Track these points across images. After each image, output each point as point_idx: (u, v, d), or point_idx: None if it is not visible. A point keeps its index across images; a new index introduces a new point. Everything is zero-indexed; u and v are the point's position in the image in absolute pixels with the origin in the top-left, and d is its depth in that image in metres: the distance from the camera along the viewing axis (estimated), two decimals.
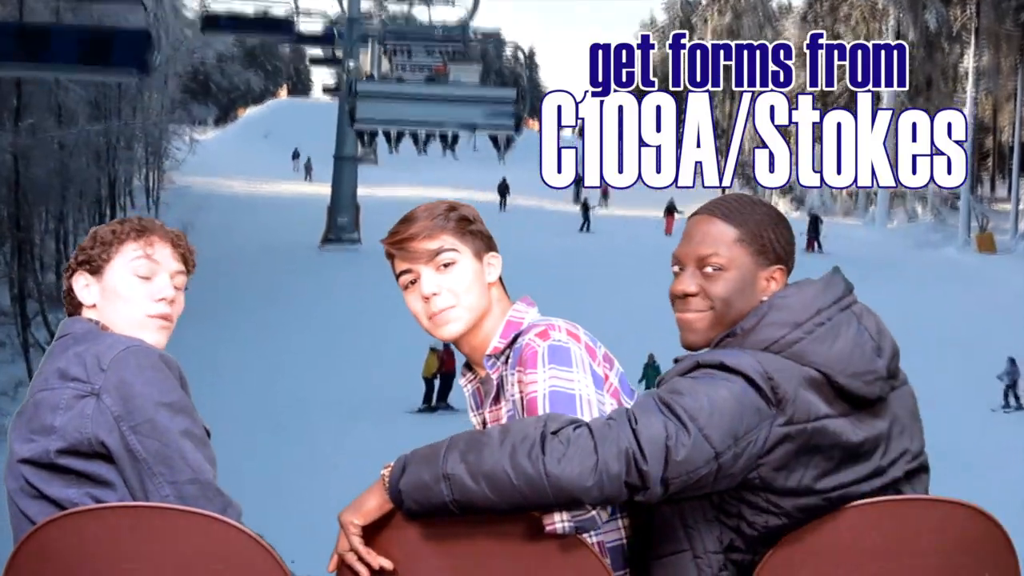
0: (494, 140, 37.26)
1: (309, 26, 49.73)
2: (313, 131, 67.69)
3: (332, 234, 43.88)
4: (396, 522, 2.34)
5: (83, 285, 2.70)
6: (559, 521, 2.27)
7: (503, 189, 52.56)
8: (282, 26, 47.01)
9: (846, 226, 56.07)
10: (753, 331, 2.40)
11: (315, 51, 62.39)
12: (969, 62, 51.73)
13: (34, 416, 2.51)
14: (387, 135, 37.20)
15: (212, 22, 45.84)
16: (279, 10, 47.12)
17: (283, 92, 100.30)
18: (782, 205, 60.64)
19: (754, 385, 2.28)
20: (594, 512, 2.28)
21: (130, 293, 2.67)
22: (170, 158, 56.82)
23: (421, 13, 48.77)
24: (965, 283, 39.74)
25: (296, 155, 68.82)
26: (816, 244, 47.27)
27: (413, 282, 2.64)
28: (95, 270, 2.69)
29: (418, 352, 25.74)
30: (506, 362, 2.63)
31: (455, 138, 35.91)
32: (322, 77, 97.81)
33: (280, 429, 23.94)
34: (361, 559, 2.34)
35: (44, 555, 2.34)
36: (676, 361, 2.45)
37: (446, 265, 2.63)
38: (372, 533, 2.36)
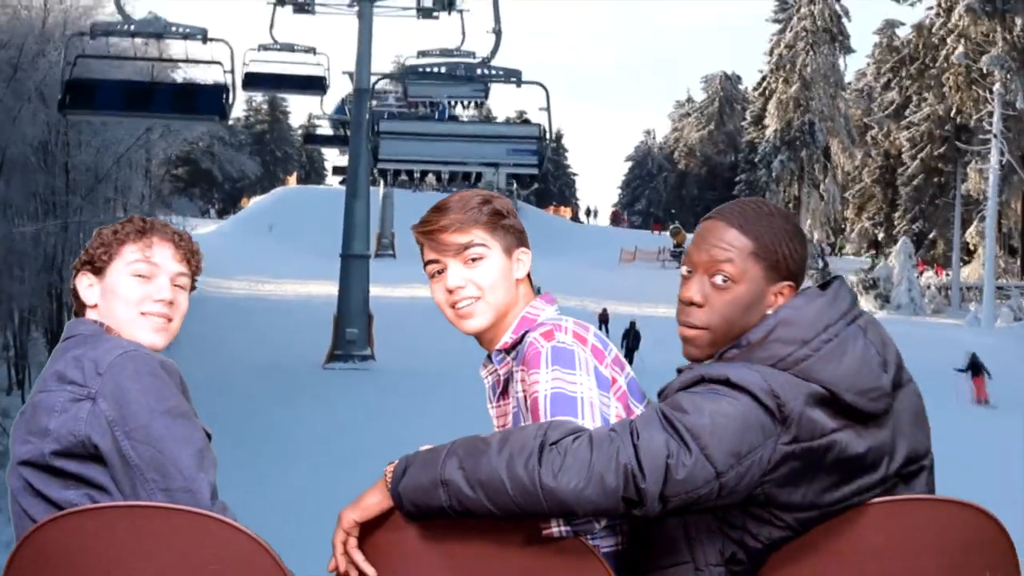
0: (517, 178, 37.82)
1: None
2: (323, 221, 61.89)
3: (339, 349, 37.35)
4: (396, 523, 2.35)
5: (86, 285, 2.80)
6: (555, 526, 2.28)
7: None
8: (315, 83, 44.70)
9: (944, 327, 48.44)
10: (760, 346, 2.38)
11: (322, 128, 58.12)
12: None
13: (32, 418, 2.58)
14: (410, 173, 37.56)
15: (252, 80, 43.22)
16: (314, 71, 44.51)
17: (292, 180, 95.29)
18: (866, 302, 53.56)
19: (759, 403, 2.27)
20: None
21: (128, 293, 2.76)
22: None
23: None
24: None
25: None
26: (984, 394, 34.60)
27: (440, 272, 2.67)
28: (97, 270, 2.79)
29: None
30: (515, 358, 2.63)
31: (478, 176, 35.43)
32: (334, 159, 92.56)
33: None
34: (349, 557, 2.37)
35: (44, 555, 2.35)
36: (679, 371, 2.43)
37: (474, 259, 2.65)
38: (372, 533, 2.37)
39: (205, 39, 33.61)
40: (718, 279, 2.46)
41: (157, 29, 33.73)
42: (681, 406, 2.27)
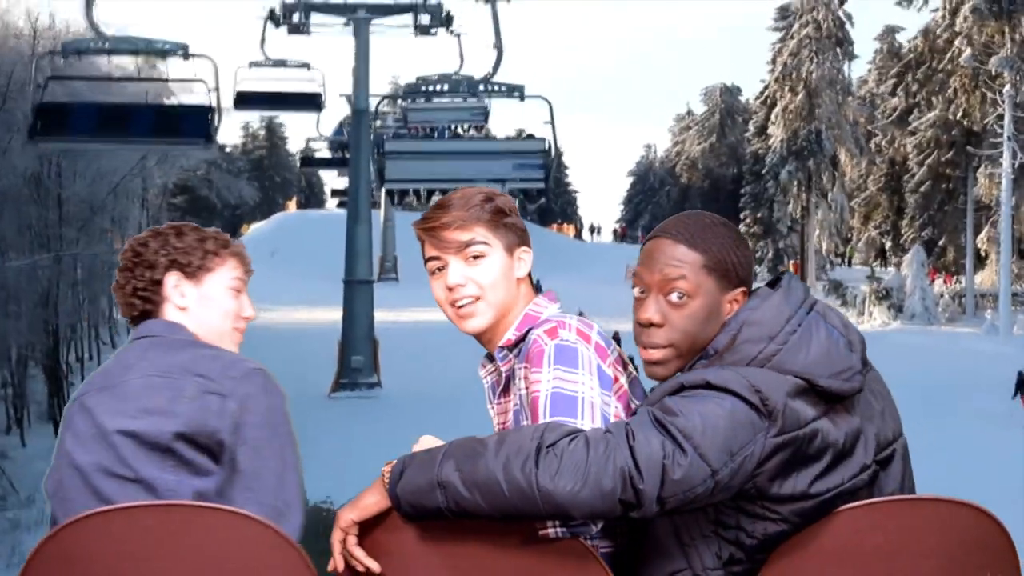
0: (524, 193, 38.76)
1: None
2: (324, 246, 61.11)
3: (345, 377, 36.40)
4: (394, 523, 2.35)
5: (173, 285, 2.84)
6: (552, 527, 2.31)
7: None
8: (310, 100, 42.97)
9: (961, 336, 47.42)
10: (729, 351, 2.43)
11: (320, 151, 57.34)
12: None
13: (144, 396, 2.64)
14: (416, 193, 39.27)
15: (244, 99, 41.42)
16: (308, 87, 42.55)
17: (292, 205, 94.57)
18: (879, 313, 52.54)
19: (744, 400, 2.31)
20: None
21: (228, 306, 2.89)
22: None
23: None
24: None
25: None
26: None
27: (441, 269, 2.67)
28: (191, 275, 2.85)
29: None
30: (518, 355, 2.63)
31: None
32: (332, 182, 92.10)
33: None
34: (345, 554, 2.38)
35: (69, 555, 2.32)
36: (651, 391, 2.48)
37: (475, 257, 2.65)
38: (370, 533, 2.37)
39: (186, 55, 30.83)
40: (673, 296, 2.48)
41: (134, 46, 30.70)
42: (670, 409, 2.30)
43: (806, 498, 2.35)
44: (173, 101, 33.54)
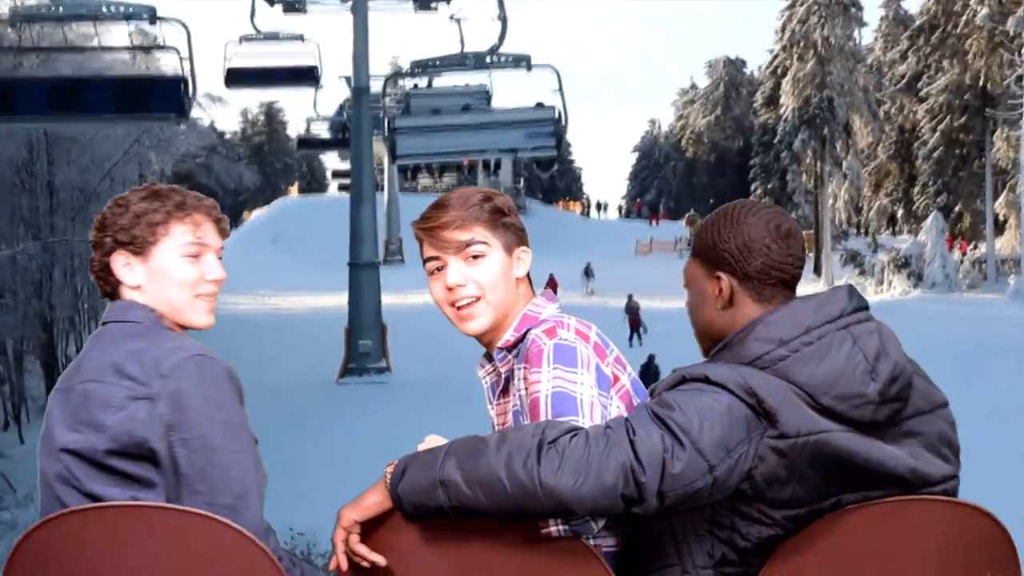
0: (537, 162, 37.74)
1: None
2: (328, 230, 60.49)
3: (353, 363, 35.79)
4: (396, 523, 2.35)
5: (123, 264, 2.72)
6: (554, 525, 2.31)
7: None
8: (306, 74, 41.58)
9: (985, 303, 46.51)
10: (741, 344, 2.42)
11: (319, 132, 56.41)
12: None
13: (81, 406, 2.54)
14: (430, 167, 37.80)
15: (235, 77, 39.95)
16: (303, 60, 41.10)
17: (293, 190, 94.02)
18: (899, 282, 51.55)
19: (739, 398, 2.31)
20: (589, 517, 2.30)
21: (183, 276, 2.71)
22: None
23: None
24: None
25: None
26: None
27: (440, 269, 2.66)
28: (138, 251, 2.71)
29: None
30: (517, 356, 2.62)
31: (497, 164, 36.84)
32: (333, 164, 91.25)
33: None
34: (348, 552, 2.38)
35: (44, 555, 2.33)
36: (674, 371, 2.48)
37: (475, 257, 2.63)
38: (372, 533, 2.38)
39: (153, 19, 27.91)
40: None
41: (92, 10, 27.39)
42: (668, 403, 2.30)
43: (802, 505, 2.33)
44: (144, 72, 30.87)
